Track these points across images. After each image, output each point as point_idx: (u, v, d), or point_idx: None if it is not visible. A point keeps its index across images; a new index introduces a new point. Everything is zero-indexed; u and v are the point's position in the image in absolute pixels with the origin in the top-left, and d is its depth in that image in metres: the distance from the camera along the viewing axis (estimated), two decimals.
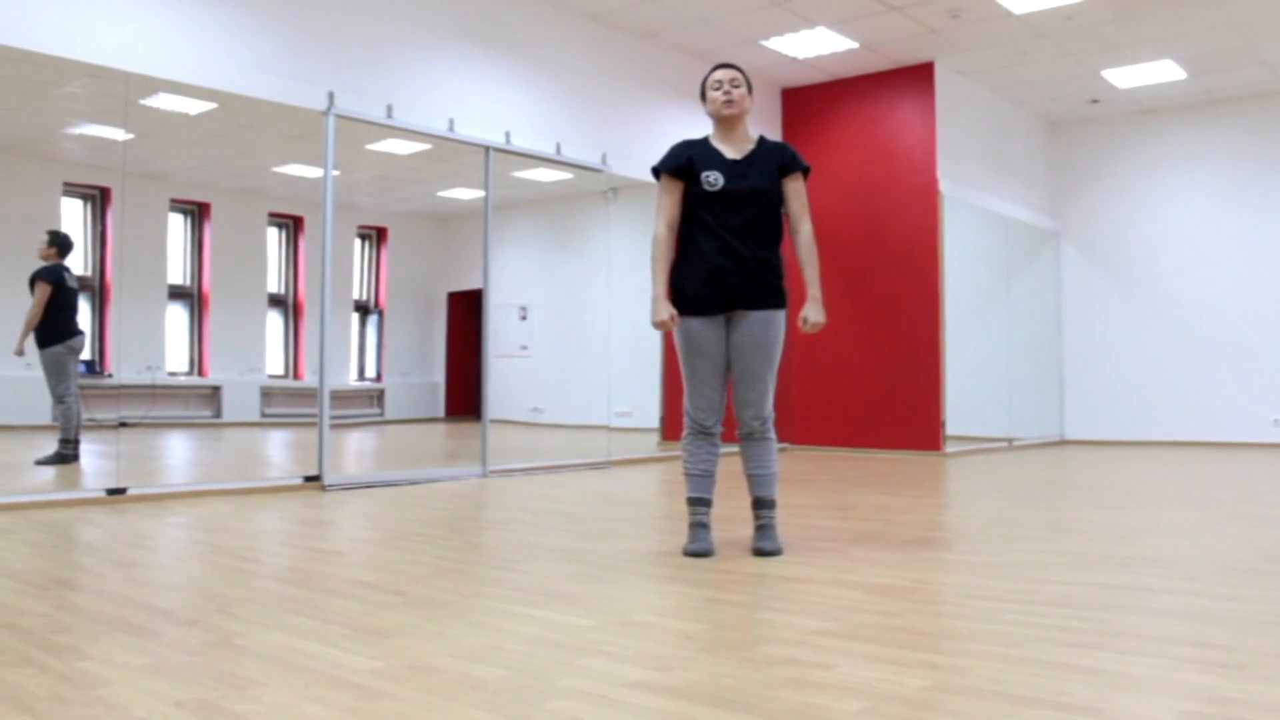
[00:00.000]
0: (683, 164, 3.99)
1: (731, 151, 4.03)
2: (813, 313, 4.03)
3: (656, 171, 4.07)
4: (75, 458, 6.94)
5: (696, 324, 3.95)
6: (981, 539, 4.41)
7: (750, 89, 4.07)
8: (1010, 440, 11.02)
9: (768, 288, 3.97)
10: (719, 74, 4.04)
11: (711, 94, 4.04)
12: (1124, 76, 10.18)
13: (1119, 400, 11.62)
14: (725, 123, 4.05)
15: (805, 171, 4.09)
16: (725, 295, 3.94)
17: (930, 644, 2.60)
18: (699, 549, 3.94)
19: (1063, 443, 11.77)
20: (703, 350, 3.97)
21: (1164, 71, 10.01)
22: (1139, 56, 9.59)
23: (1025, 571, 3.59)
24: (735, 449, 4.12)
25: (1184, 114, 11.33)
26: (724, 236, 3.92)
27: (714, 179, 3.94)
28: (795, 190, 4.07)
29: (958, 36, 9.12)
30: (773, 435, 4.07)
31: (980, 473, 7.89)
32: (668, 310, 3.92)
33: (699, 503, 4.03)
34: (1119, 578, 3.47)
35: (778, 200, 4.04)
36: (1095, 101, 11.16)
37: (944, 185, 9.88)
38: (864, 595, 3.19)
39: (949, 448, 9.75)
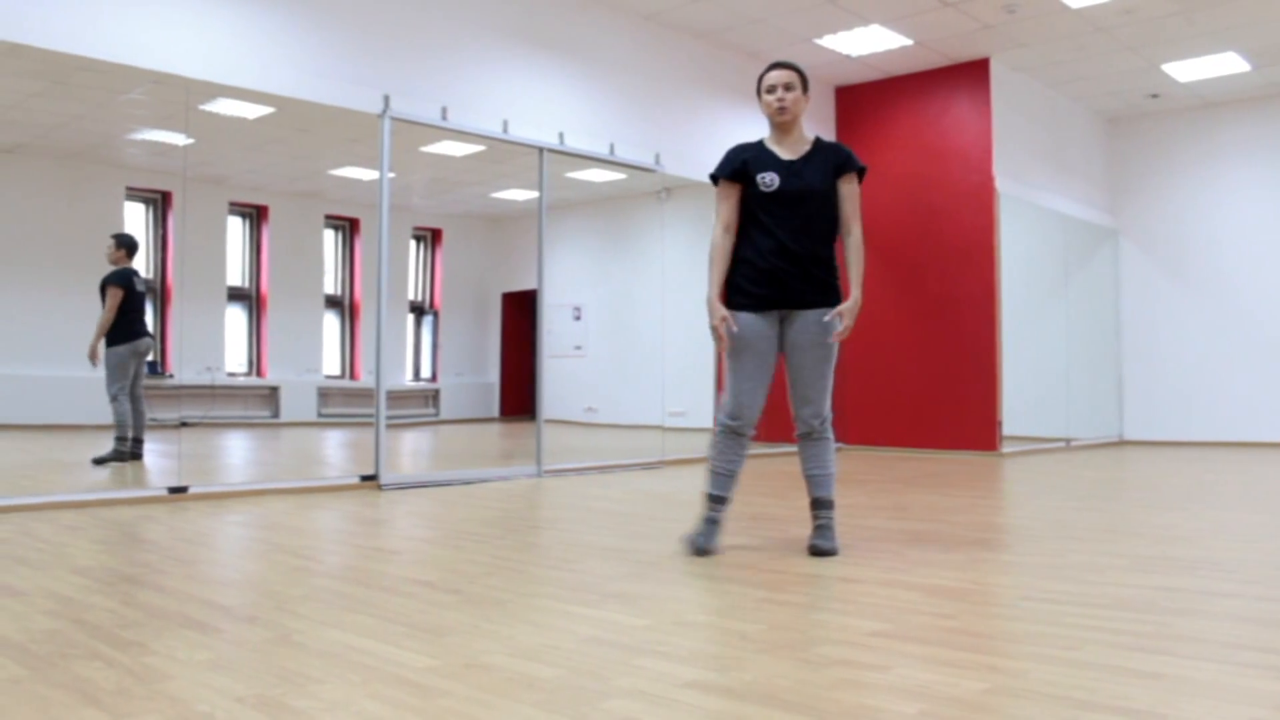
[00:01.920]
0: (738, 168, 3.99)
1: (786, 153, 4.02)
2: (848, 315, 3.95)
3: (714, 178, 4.08)
4: (133, 456, 7.07)
5: (748, 319, 3.95)
6: (1039, 540, 4.36)
7: (806, 87, 4.05)
8: (1068, 440, 10.87)
9: (824, 287, 3.97)
10: (773, 75, 4.02)
11: (766, 98, 4.03)
12: (1185, 70, 10.00)
13: (1179, 400, 11.42)
14: (780, 126, 4.04)
15: (861, 172, 4.07)
16: (781, 294, 3.93)
17: (987, 646, 2.58)
18: (706, 545, 3.96)
19: (1121, 443, 11.59)
20: (752, 345, 3.96)
21: (1227, 64, 9.81)
22: (1201, 49, 9.42)
23: (1083, 573, 3.55)
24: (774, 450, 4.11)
25: (1247, 107, 11.10)
26: (780, 237, 3.92)
27: (770, 180, 3.94)
28: (849, 192, 4.05)
29: (1013, 32, 9.01)
30: (830, 435, 4.07)
31: (1037, 473, 7.79)
32: (720, 312, 3.92)
33: (717, 500, 4.05)
34: (1180, 581, 3.42)
35: (833, 200, 4.02)
36: (1155, 96, 10.97)
37: (1000, 183, 9.77)
38: (920, 596, 3.17)
39: (1005, 448, 9.64)
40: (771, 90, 4.01)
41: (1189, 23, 8.68)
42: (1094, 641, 2.58)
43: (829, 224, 4.00)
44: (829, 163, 4.01)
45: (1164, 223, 11.66)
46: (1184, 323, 11.44)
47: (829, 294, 3.98)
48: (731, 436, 4.04)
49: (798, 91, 4.01)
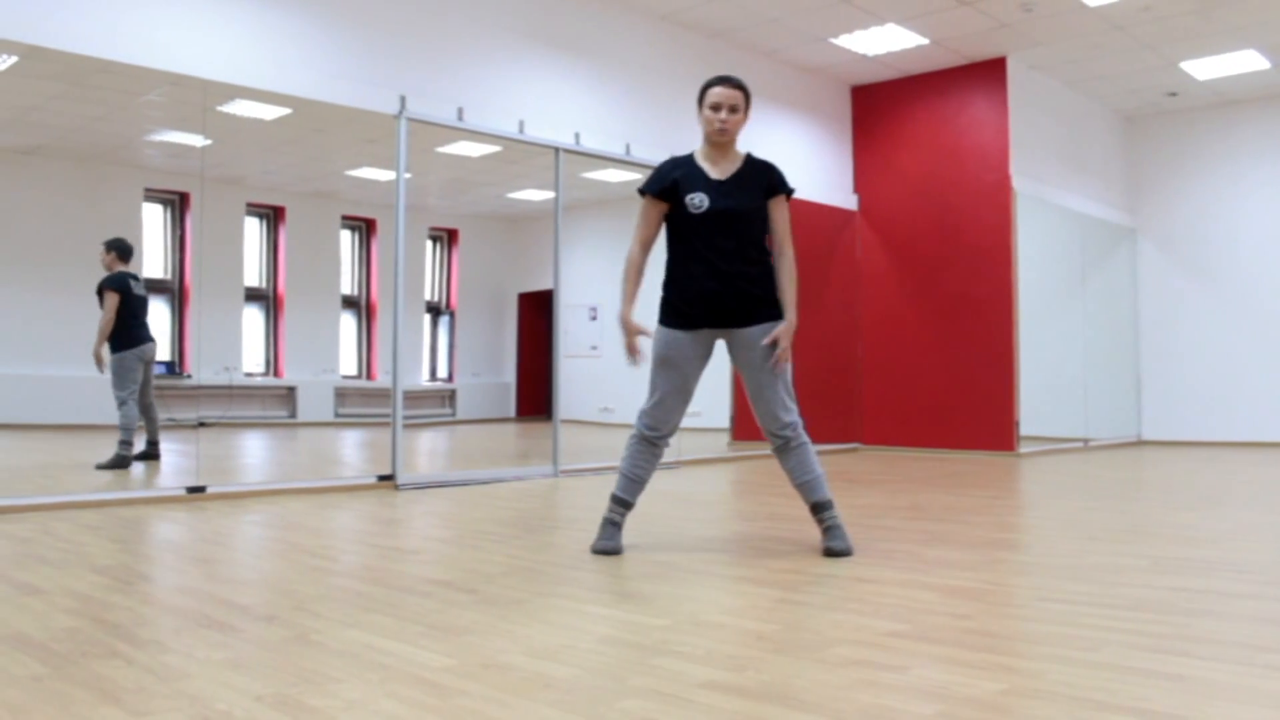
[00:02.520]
0: (667, 187, 3.96)
1: (716, 171, 3.99)
2: (784, 337, 3.93)
3: (642, 192, 4.05)
4: (151, 457, 7.10)
5: (677, 337, 3.96)
6: (1057, 541, 4.35)
7: (748, 108, 4.02)
8: (1086, 441, 10.82)
9: (761, 303, 3.94)
10: (718, 93, 3.96)
11: (707, 114, 3.97)
12: (1204, 68, 9.94)
13: (1198, 400, 11.35)
14: (716, 145, 4.01)
15: (789, 194, 4.06)
16: (715, 315, 3.93)
17: (1005, 647, 2.57)
18: (608, 547, 4.00)
19: (1140, 443, 11.53)
20: (675, 364, 3.97)
21: (1246, 62, 9.76)
22: (1220, 47, 9.37)
23: (1102, 574, 3.53)
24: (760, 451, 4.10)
25: (1267, 105, 11.02)
26: (711, 259, 3.90)
27: (699, 201, 3.91)
28: (780, 214, 4.03)
29: (1030, 30, 8.98)
30: (806, 439, 4.01)
31: (1055, 473, 7.76)
32: (634, 329, 3.96)
33: (622, 503, 4.08)
34: (1200, 582, 3.40)
35: (763, 220, 3.99)
36: (1173, 94, 10.92)
37: (1017, 182, 9.74)
38: (937, 597, 3.16)
39: (1023, 448, 9.60)
40: (716, 109, 3.95)
41: (1207, 20, 8.63)
42: (1112, 643, 2.57)
43: (759, 244, 3.98)
44: (759, 184, 3.99)
45: (1183, 222, 11.60)
46: (1203, 322, 11.37)
47: (769, 307, 3.95)
48: (647, 445, 4.07)
49: (740, 114, 3.98)
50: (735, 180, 3.97)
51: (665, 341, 3.97)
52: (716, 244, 3.91)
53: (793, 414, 3.98)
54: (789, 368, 3.98)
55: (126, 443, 6.86)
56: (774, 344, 3.91)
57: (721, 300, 3.90)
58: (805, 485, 4.02)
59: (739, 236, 3.92)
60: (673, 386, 3.99)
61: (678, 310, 3.96)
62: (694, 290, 3.92)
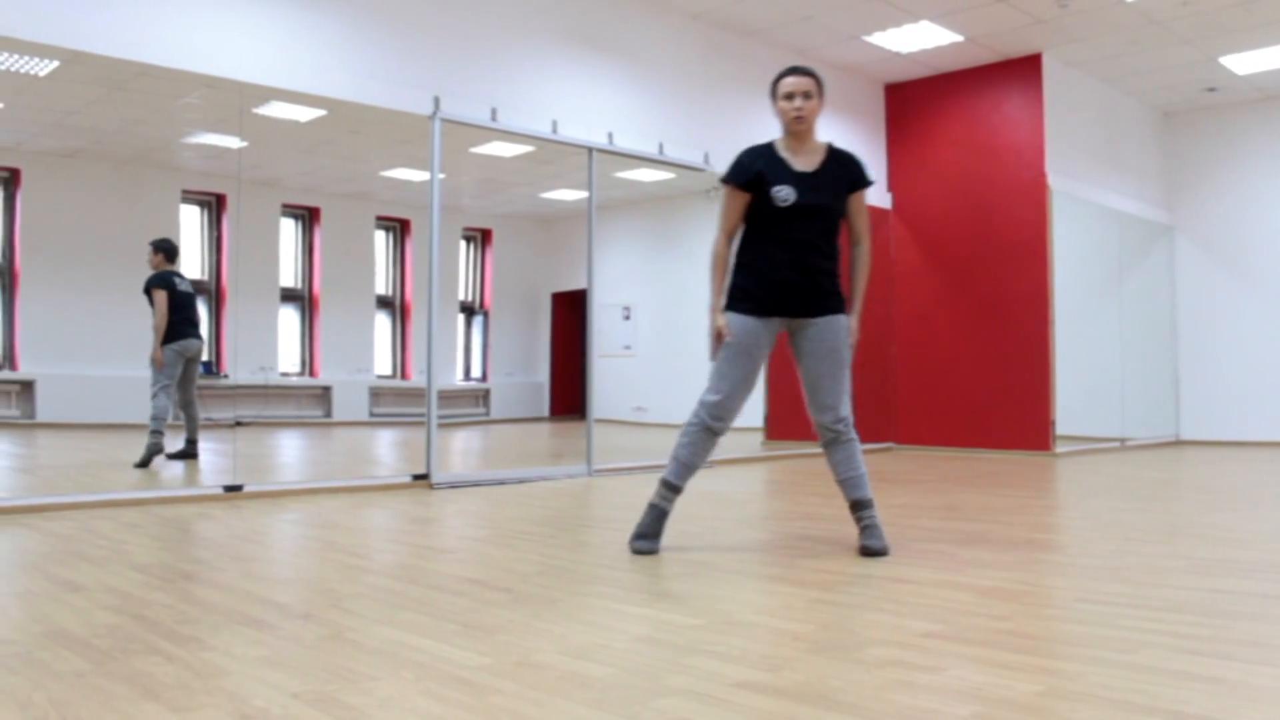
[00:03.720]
0: (752, 178, 3.96)
1: (801, 163, 3.98)
2: (855, 330, 4.02)
3: (724, 181, 4.05)
4: (189, 455, 7.18)
5: (748, 323, 3.94)
6: (1094, 541, 4.31)
7: (822, 93, 4.01)
8: (1123, 440, 10.72)
9: (830, 295, 3.97)
10: (791, 81, 3.96)
11: (783, 104, 3.97)
12: (1244, 62, 9.81)
13: (1237, 399, 11.21)
14: (795, 134, 4.01)
15: (869, 186, 4.09)
16: (789, 304, 3.94)
17: (1042, 648, 2.55)
18: (645, 547, 4.00)
19: (1178, 443, 11.41)
20: (748, 350, 3.96)
21: None
22: (1261, 41, 9.24)
23: (1140, 575, 3.50)
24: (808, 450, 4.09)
25: None
26: (795, 249, 3.91)
27: (785, 195, 3.91)
28: (860, 207, 4.06)
29: (1066, 26, 8.90)
30: (855, 436, 4.04)
31: (1092, 473, 7.69)
32: (723, 319, 3.95)
33: (672, 488, 4.08)
34: (1241, 584, 3.36)
35: (842, 214, 4.03)
36: (1212, 90, 10.78)
37: (1053, 179, 9.65)
38: (973, 597, 3.14)
39: (1059, 448, 9.52)
40: (790, 97, 3.95)
41: (1248, 13, 8.52)
42: (1151, 645, 2.55)
43: (835, 236, 4.01)
44: (844, 178, 4.01)
45: (1222, 218, 11.45)
46: (1242, 320, 11.22)
47: (836, 299, 3.99)
48: (709, 435, 4.06)
49: (815, 100, 3.97)
50: (820, 174, 3.98)
51: (741, 329, 3.95)
52: (796, 235, 3.92)
53: (847, 408, 4.00)
54: (849, 366, 4.00)
55: (157, 431, 6.95)
56: (834, 339, 3.94)
57: (798, 290, 3.92)
58: (848, 481, 4.02)
59: (819, 230, 3.94)
60: (742, 374, 3.98)
61: (753, 297, 3.95)
62: (771, 278, 3.92)
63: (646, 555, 3.97)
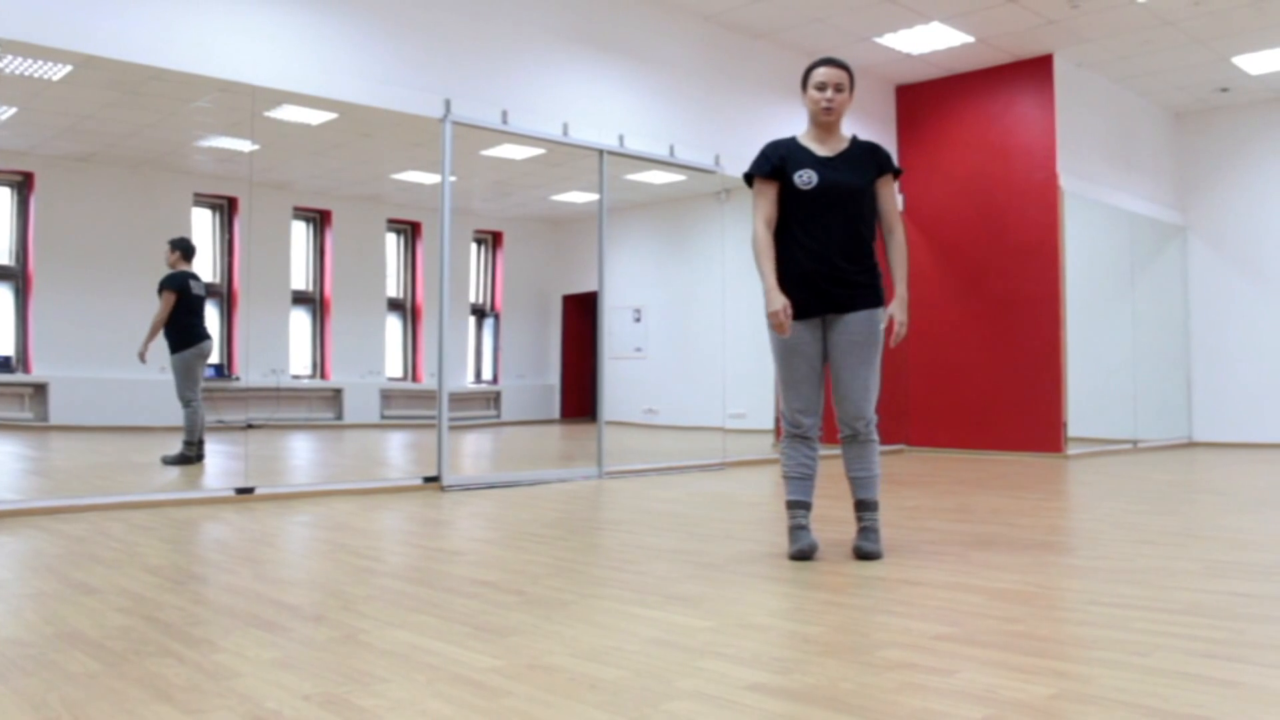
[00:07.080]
0: (776, 164, 3.95)
1: (823, 150, 3.98)
2: (900, 312, 3.95)
3: (749, 177, 4.04)
4: (198, 459, 7.20)
5: (794, 326, 3.91)
6: (1106, 543, 4.29)
7: (852, 89, 4.01)
8: (1135, 442, 10.68)
9: (863, 289, 3.92)
10: (824, 73, 3.96)
11: (813, 94, 3.97)
12: (1256, 62, 9.78)
13: (1250, 401, 11.16)
14: (823, 126, 4.00)
15: (897, 174, 4.06)
16: (820, 299, 3.91)
17: (1054, 651, 2.54)
18: (802, 549, 3.89)
19: (1190, 445, 11.36)
20: (799, 351, 3.93)
21: None
22: (1273, 40, 9.20)
23: (1153, 578, 3.48)
24: (836, 451, 4.08)
25: None
26: (819, 240, 3.89)
27: (807, 177, 3.90)
28: (888, 192, 4.04)
29: (1077, 27, 8.88)
30: (875, 437, 4.01)
31: (1104, 475, 7.66)
32: (781, 299, 3.84)
33: (799, 505, 3.99)
34: (1255, 586, 3.34)
35: (872, 199, 3.99)
36: (1225, 90, 10.75)
37: (1064, 180, 9.63)
38: (985, 600, 3.13)
39: (1071, 449, 9.49)
40: (822, 88, 3.95)
41: (1260, 13, 8.48)
42: (1165, 647, 2.54)
43: (867, 225, 3.97)
44: (868, 162, 3.99)
45: (1234, 219, 11.41)
46: (1255, 321, 11.17)
47: (870, 295, 3.93)
48: (798, 441, 4.02)
49: (846, 93, 3.97)
50: (843, 158, 3.97)
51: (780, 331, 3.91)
52: (824, 222, 3.89)
53: (871, 408, 3.96)
54: (878, 363, 3.96)
55: (190, 443, 6.98)
56: (861, 336, 3.89)
57: (825, 284, 3.88)
58: (858, 480, 4.01)
59: (848, 215, 3.90)
60: (803, 373, 3.95)
61: (791, 298, 3.89)
62: (799, 272, 3.89)
63: (809, 554, 3.87)
